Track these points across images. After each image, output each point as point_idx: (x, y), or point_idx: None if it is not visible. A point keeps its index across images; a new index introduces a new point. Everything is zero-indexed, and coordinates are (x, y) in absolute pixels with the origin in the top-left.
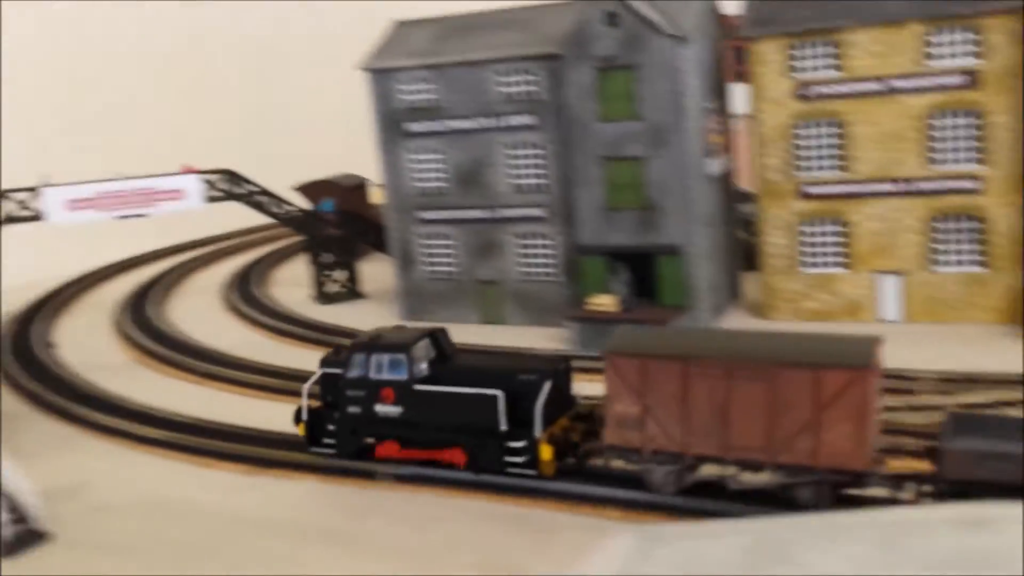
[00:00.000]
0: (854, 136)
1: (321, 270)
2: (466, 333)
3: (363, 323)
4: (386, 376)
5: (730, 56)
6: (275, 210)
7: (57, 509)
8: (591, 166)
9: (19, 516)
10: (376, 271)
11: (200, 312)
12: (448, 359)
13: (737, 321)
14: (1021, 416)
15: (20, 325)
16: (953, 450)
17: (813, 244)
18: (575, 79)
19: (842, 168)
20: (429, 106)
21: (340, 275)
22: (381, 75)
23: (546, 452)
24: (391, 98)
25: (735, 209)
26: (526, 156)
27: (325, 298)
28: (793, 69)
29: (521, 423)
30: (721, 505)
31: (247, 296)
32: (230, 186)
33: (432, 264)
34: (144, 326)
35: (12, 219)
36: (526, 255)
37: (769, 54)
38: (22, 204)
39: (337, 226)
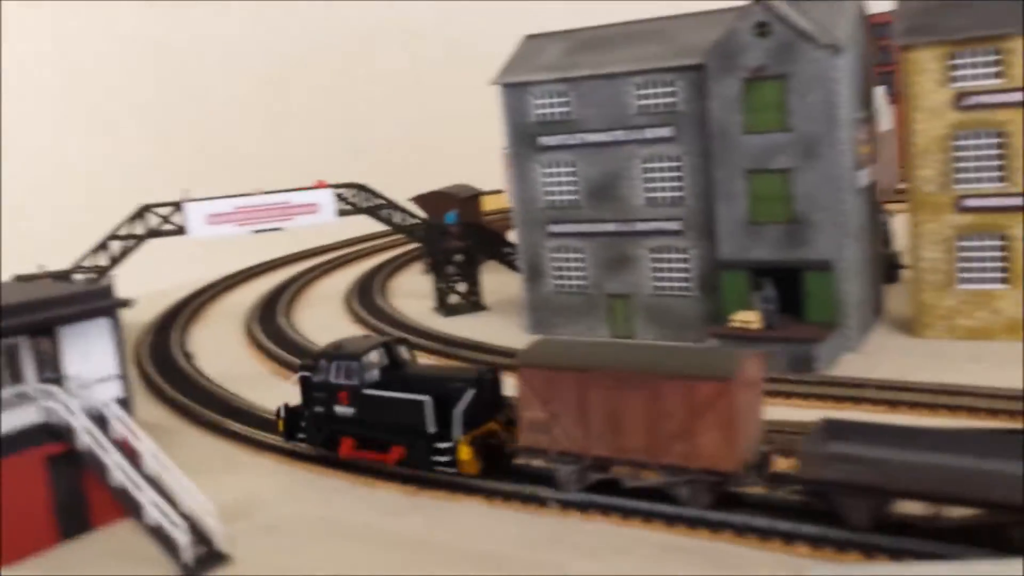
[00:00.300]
0: (1018, 147)
1: (444, 281)
2: None
3: (487, 335)
4: (342, 381)
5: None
6: (401, 222)
7: (230, 529)
8: (735, 179)
9: (201, 537)
10: (494, 282)
11: (327, 323)
12: (400, 367)
13: (885, 339)
14: (899, 424)
15: (156, 335)
16: (806, 453)
17: (971, 259)
18: (719, 90)
19: (1004, 180)
20: (563, 119)
21: (462, 287)
22: (514, 89)
23: (464, 453)
24: (524, 111)
25: (879, 221)
26: (662, 169)
27: (447, 310)
28: (952, 79)
29: (448, 426)
30: (919, 544)
31: (371, 307)
32: (361, 199)
33: (561, 277)
34: (275, 336)
35: (155, 233)
36: (659, 269)
37: (926, 63)
38: (165, 219)
39: (460, 238)
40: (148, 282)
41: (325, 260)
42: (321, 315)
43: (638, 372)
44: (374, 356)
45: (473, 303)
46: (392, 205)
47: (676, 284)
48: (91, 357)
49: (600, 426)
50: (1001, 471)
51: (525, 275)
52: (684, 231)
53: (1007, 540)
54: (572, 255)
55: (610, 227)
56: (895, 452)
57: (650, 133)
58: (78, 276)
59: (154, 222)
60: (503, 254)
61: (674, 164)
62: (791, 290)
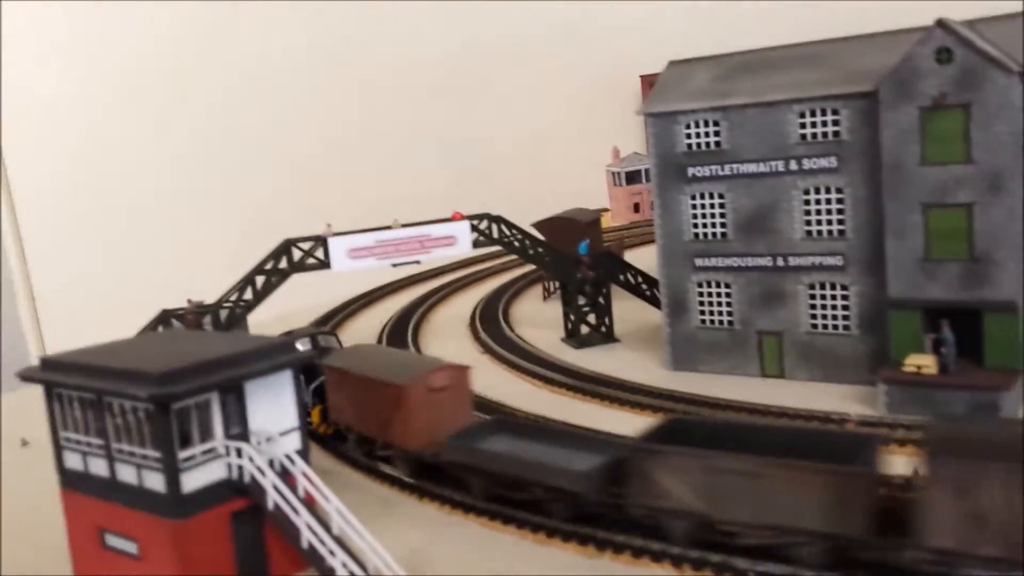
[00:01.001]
0: None
1: (575, 312)
2: (744, 387)
3: (630, 372)
4: None
5: None
6: (532, 253)
7: None
8: (909, 213)
9: None
10: (620, 310)
11: (460, 356)
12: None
13: None
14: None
15: None
16: (449, 442)
17: None
18: (894, 120)
19: None
20: (714, 149)
21: (592, 317)
22: (661, 118)
23: (314, 417)
24: (672, 141)
25: None
26: (823, 201)
27: (579, 341)
28: None
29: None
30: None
31: (500, 338)
32: (495, 231)
33: (707, 313)
34: None
35: (299, 267)
36: (817, 306)
37: None
38: (307, 253)
39: (592, 267)
40: (264, 308)
41: (437, 286)
42: (452, 348)
43: (366, 375)
44: (300, 343)
45: (605, 334)
46: (525, 235)
47: (835, 322)
48: (274, 410)
49: (357, 411)
50: (552, 464)
51: (667, 309)
52: (845, 266)
53: (549, 512)
54: (719, 289)
55: (763, 261)
56: (506, 445)
57: (811, 164)
58: (223, 310)
59: (296, 256)
60: (636, 284)
61: (837, 196)
62: (967, 332)
